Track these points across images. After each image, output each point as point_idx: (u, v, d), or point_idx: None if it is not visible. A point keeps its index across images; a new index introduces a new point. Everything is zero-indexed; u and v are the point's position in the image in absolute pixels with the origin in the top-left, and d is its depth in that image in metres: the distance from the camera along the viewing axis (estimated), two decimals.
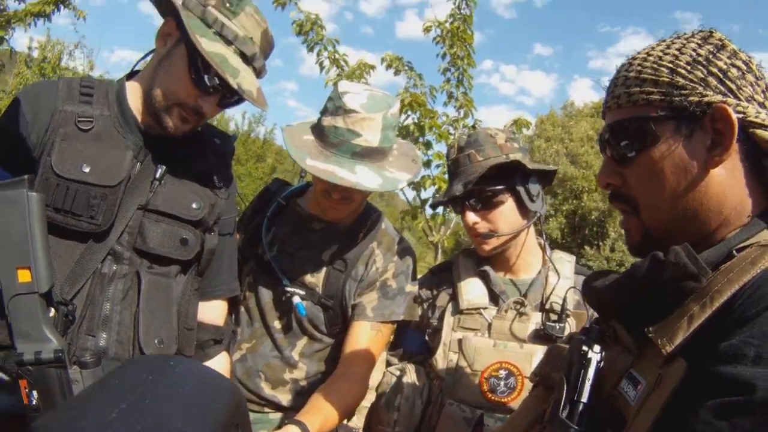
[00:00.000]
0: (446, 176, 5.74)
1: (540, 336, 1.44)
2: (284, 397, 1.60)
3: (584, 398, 0.83)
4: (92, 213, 1.16)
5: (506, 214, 1.49)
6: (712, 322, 0.71)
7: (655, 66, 0.79)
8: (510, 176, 1.48)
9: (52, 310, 1.08)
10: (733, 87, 0.76)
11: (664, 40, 0.83)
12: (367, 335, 1.54)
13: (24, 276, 1.01)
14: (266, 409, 1.62)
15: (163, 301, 1.26)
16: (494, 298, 1.51)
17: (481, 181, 1.44)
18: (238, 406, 0.63)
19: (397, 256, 1.60)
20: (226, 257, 1.41)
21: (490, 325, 1.47)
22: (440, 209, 6.03)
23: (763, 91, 0.79)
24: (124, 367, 0.62)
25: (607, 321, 0.88)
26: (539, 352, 1.41)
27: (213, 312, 1.42)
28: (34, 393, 1.01)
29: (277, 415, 1.62)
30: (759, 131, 0.76)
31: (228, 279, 1.44)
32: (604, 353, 0.85)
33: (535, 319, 1.46)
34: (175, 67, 1.21)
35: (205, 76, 1.19)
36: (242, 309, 1.63)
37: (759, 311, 0.66)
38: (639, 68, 0.80)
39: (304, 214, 1.63)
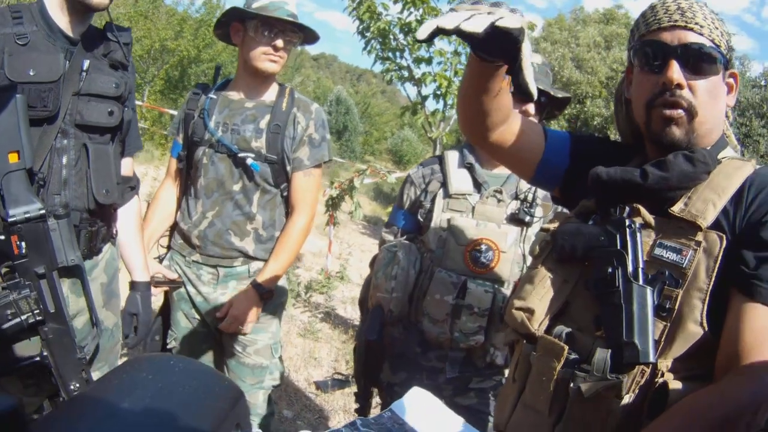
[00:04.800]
0: (447, 73, 5.87)
1: (514, 219, 1.79)
2: (249, 247, 2.05)
3: (641, 263, 1.00)
4: (44, 103, 1.50)
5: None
6: (727, 206, 1.00)
7: (719, 21, 1.07)
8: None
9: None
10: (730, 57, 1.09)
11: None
12: (307, 179, 2.07)
13: (14, 158, 1.34)
14: (235, 263, 2.06)
15: (104, 161, 1.64)
16: (477, 186, 1.84)
17: None
18: (239, 404, 0.63)
19: (313, 114, 2.08)
20: (132, 125, 1.80)
21: (473, 208, 1.80)
22: (440, 106, 6.18)
23: None
24: (125, 367, 0.63)
25: (626, 204, 1.05)
26: (512, 231, 1.77)
27: (125, 167, 1.83)
28: (23, 244, 1.38)
29: (243, 267, 2.07)
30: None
31: (135, 141, 1.85)
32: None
33: (510, 206, 1.80)
34: None
35: None
36: (200, 185, 2.04)
37: None
38: (712, 16, 1.06)
39: (235, 99, 2.07)
